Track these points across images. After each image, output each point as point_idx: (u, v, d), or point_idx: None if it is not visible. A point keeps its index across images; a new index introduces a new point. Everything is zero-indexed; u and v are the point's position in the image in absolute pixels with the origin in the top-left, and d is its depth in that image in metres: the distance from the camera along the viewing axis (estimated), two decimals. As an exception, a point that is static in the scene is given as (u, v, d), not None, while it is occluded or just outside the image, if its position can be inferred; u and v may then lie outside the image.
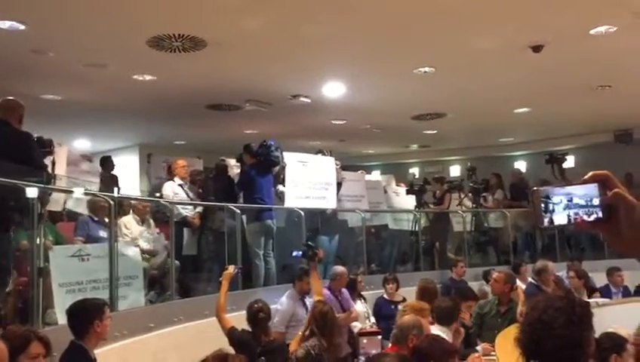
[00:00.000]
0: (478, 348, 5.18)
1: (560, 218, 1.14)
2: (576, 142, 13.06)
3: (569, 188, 1.15)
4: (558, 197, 1.14)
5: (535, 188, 1.18)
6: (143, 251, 6.32)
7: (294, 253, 6.27)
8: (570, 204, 1.14)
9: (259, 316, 4.63)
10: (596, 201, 1.13)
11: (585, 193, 1.14)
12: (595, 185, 1.13)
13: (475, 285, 8.04)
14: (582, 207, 1.13)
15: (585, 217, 1.13)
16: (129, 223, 6.56)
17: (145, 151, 11.94)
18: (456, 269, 8.39)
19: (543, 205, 1.14)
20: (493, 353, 4.85)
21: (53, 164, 5.75)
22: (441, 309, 4.75)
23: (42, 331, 3.10)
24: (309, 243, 5.88)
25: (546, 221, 1.15)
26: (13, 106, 4.81)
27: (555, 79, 8.35)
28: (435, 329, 4.29)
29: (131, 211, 6.74)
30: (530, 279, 7.07)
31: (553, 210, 1.14)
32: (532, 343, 2.08)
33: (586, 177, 1.15)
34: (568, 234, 10.52)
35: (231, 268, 5.27)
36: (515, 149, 14.52)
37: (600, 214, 1.13)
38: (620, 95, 9.21)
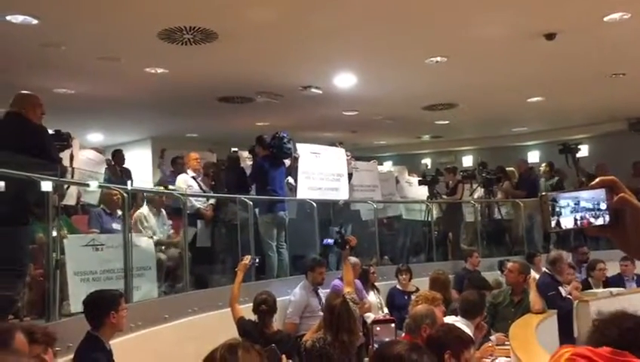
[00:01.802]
0: (492, 337, 5.17)
1: (567, 221, 1.17)
2: (590, 131, 12.94)
3: (576, 193, 1.17)
4: (565, 200, 1.16)
5: (544, 193, 1.20)
6: (161, 243, 6.37)
7: (325, 241, 6.26)
8: (577, 207, 1.16)
9: (260, 308, 4.76)
10: (603, 205, 1.15)
11: (592, 197, 1.16)
12: (603, 190, 1.15)
13: (488, 275, 8.01)
14: (589, 210, 1.16)
15: (592, 220, 1.16)
16: (148, 216, 6.60)
17: (157, 144, 11.99)
18: (471, 259, 8.36)
19: (550, 208, 1.16)
20: (507, 343, 4.84)
21: (72, 158, 5.78)
22: (467, 302, 4.75)
23: (36, 326, 3.10)
24: (341, 230, 5.76)
25: (553, 223, 1.17)
26: (25, 99, 4.83)
27: (568, 67, 8.27)
28: (459, 322, 4.28)
29: (145, 203, 6.78)
30: (544, 269, 7.04)
31: (560, 213, 1.16)
32: None
33: (593, 183, 1.17)
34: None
35: (246, 259, 5.35)
36: (528, 139, 14.40)
37: (607, 218, 1.15)
38: (634, 83, 9.10)
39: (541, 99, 10.19)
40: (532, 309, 5.79)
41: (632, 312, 2.10)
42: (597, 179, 1.17)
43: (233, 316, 4.89)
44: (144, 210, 6.65)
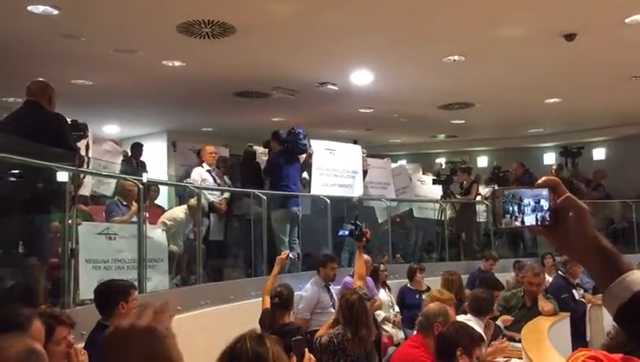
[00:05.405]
0: (499, 322, 5.18)
1: (529, 219, 1.16)
2: (608, 134, 12.80)
3: (536, 191, 1.16)
4: (528, 199, 1.16)
5: (497, 187, 1.21)
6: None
7: (340, 232, 6.25)
8: (537, 206, 1.16)
9: (273, 301, 4.87)
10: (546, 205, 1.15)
11: (548, 196, 1.16)
12: (547, 189, 1.15)
13: (501, 276, 7.97)
14: (547, 210, 1.15)
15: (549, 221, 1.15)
16: (179, 218, 6.63)
17: (172, 138, 12.04)
18: (486, 263, 8.29)
19: (516, 206, 1.15)
20: (518, 344, 4.82)
21: (87, 147, 5.83)
22: (478, 299, 4.76)
23: (60, 311, 3.15)
24: (357, 221, 5.71)
25: (514, 222, 1.16)
26: (41, 88, 4.86)
27: (587, 69, 8.19)
28: (470, 321, 4.27)
29: (186, 207, 6.81)
30: (558, 271, 7.01)
31: (524, 212, 1.16)
32: None
33: (538, 182, 1.17)
34: (598, 228, 10.35)
35: (284, 254, 5.49)
36: (545, 141, 14.25)
37: (548, 218, 1.15)
38: (654, 86, 9.00)
39: (558, 101, 10.10)
40: (542, 312, 5.76)
41: None
42: (541, 179, 1.17)
43: (262, 306, 5.10)
44: (179, 210, 6.71)
